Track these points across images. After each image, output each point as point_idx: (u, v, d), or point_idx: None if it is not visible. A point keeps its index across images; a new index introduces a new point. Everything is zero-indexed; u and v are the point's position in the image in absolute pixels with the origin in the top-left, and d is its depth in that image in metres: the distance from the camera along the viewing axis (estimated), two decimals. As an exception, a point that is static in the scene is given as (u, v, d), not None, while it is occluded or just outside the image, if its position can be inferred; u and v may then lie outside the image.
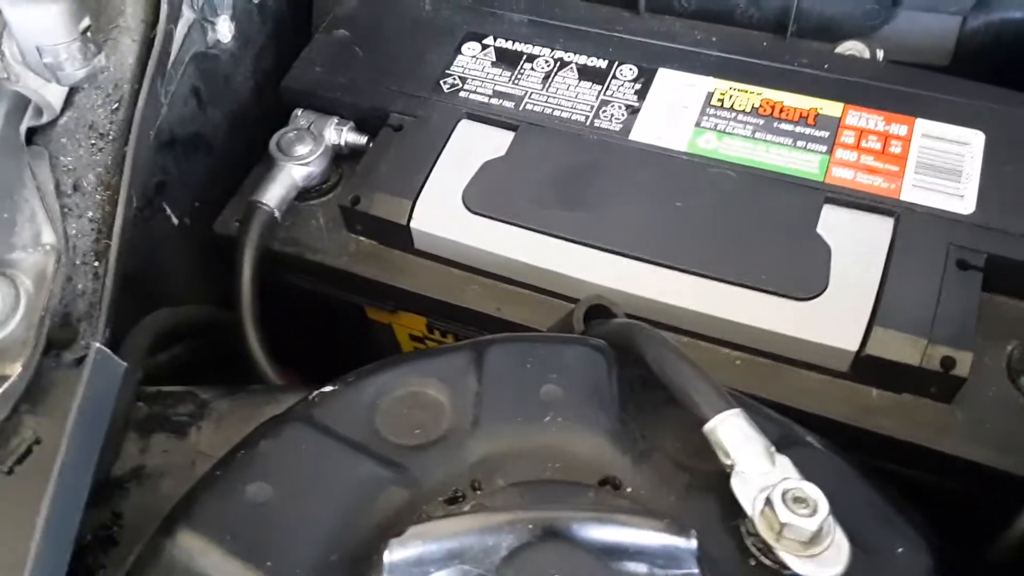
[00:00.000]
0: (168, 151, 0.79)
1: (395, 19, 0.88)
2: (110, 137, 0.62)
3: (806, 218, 0.70)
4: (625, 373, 0.54)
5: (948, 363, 0.62)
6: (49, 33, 0.57)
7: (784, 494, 0.44)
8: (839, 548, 0.44)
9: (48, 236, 0.57)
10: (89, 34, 0.59)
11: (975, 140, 0.72)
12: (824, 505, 0.43)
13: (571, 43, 0.83)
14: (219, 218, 0.83)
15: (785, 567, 0.44)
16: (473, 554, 0.41)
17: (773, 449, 0.47)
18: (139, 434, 0.62)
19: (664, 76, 0.80)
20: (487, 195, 0.74)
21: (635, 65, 0.81)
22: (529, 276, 0.73)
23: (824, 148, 0.74)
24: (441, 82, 0.82)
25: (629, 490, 0.48)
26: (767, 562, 0.45)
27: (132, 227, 0.61)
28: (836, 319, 0.65)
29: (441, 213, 0.74)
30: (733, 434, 0.47)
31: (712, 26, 0.84)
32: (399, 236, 0.76)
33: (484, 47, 0.84)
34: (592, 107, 0.79)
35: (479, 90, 0.81)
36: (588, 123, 0.78)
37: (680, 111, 0.77)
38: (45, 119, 0.60)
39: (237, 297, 0.75)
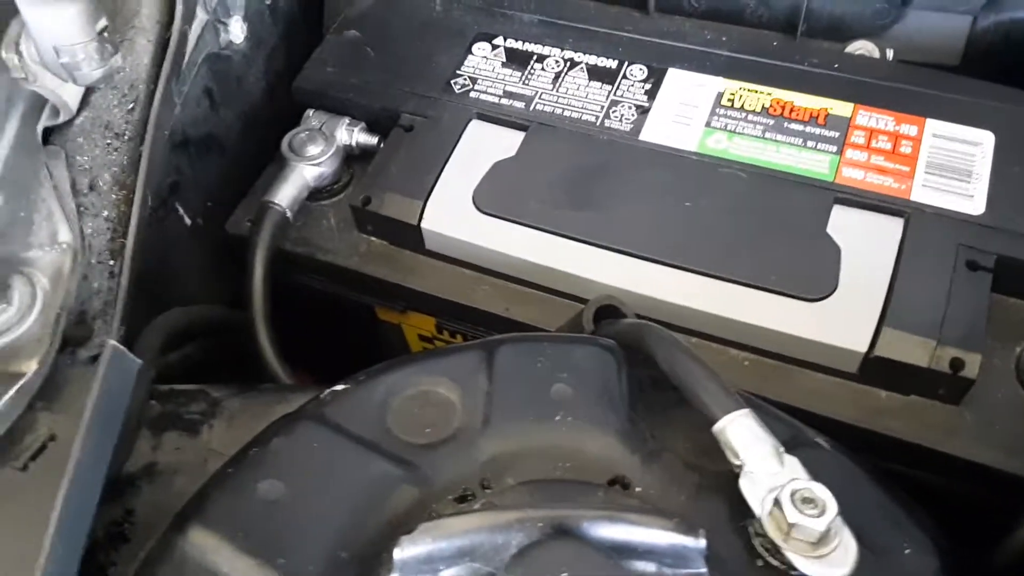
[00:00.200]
0: (181, 152, 0.79)
1: (406, 20, 0.89)
2: (126, 137, 0.62)
3: (816, 218, 0.70)
4: (635, 373, 0.54)
5: (957, 365, 0.62)
6: (67, 33, 0.57)
7: (793, 494, 0.44)
8: (847, 549, 0.44)
9: (64, 235, 0.58)
10: (106, 34, 0.60)
11: (985, 140, 0.72)
12: (833, 506, 0.43)
13: (581, 43, 0.84)
14: (231, 218, 0.83)
15: (793, 567, 0.44)
16: (483, 552, 0.42)
17: (782, 450, 0.47)
18: (151, 432, 0.63)
19: (674, 76, 0.80)
20: (497, 195, 0.74)
21: (645, 65, 0.81)
22: (539, 276, 0.73)
23: (834, 148, 0.74)
24: (452, 82, 0.82)
25: (638, 489, 0.49)
26: (775, 562, 0.45)
27: (146, 227, 0.62)
28: (845, 320, 0.65)
29: (452, 213, 0.74)
30: (742, 434, 0.47)
31: (722, 26, 0.84)
32: (410, 236, 0.76)
33: (494, 47, 0.85)
34: (602, 107, 0.79)
35: (489, 90, 0.81)
36: (598, 123, 0.78)
37: (690, 111, 0.77)
38: (62, 119, 0.61)
39: (248, 297, 0.76)
